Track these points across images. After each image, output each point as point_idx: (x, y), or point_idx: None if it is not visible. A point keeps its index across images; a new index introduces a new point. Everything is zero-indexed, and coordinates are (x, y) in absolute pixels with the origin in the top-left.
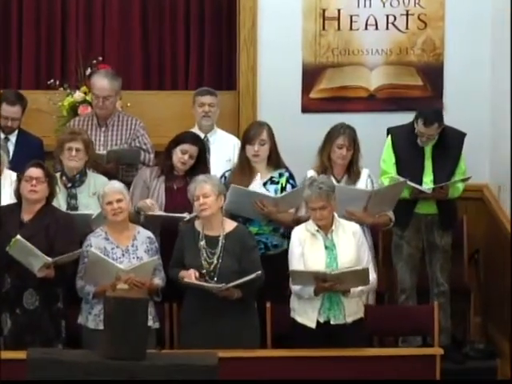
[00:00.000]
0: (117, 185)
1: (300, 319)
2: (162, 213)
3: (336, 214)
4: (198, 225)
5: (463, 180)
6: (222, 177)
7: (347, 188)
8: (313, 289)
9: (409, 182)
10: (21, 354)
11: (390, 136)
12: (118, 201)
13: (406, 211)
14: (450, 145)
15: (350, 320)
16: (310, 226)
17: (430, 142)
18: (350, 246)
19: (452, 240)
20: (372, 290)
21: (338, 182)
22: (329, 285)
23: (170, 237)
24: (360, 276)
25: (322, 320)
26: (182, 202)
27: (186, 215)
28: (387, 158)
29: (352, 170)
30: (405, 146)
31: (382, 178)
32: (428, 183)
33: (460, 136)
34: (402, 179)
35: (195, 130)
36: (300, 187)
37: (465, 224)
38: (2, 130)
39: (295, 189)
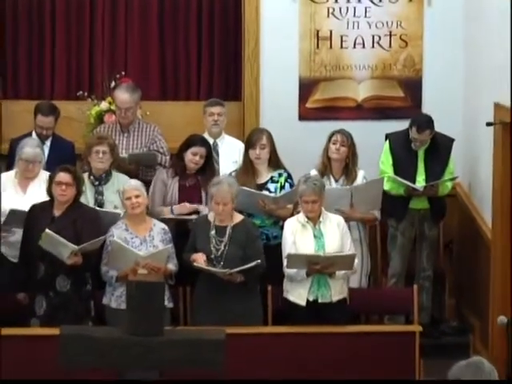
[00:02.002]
0: (134, 182)
1: (292, 298)
2: (174, 216)
3: (323, 208)
4: (210, 216)
5: (451, 179)
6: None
7: (331, 189)
8: (305, 271)
9: (404, 181)
10: (54, 331)
11: (388, 141)
12: (136, 196)
13: (402, 206)
14: (440, 149)
15: (335, 299)
16: (301, 217)
17: (423, 147)
18: (335, 236)
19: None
20: (354, 273)
21: (337, 181)
22: (320, 267)
23: (182, 228)
24: (347, 260)
25: (311, 298)
26: (194, 198)
27: (194, 217)
28: (385, 160)
29: (349, 171)
30: (401, 149)
31: None
32: (421, 182)
33: (449, 141)
34: (398, 179)
35: (205, 135)
36: (295, 187)
37: None
38: (38, 137)
39: (292, 189)
